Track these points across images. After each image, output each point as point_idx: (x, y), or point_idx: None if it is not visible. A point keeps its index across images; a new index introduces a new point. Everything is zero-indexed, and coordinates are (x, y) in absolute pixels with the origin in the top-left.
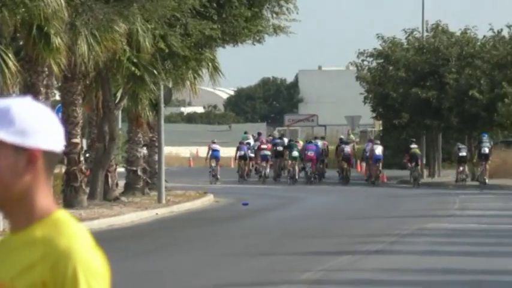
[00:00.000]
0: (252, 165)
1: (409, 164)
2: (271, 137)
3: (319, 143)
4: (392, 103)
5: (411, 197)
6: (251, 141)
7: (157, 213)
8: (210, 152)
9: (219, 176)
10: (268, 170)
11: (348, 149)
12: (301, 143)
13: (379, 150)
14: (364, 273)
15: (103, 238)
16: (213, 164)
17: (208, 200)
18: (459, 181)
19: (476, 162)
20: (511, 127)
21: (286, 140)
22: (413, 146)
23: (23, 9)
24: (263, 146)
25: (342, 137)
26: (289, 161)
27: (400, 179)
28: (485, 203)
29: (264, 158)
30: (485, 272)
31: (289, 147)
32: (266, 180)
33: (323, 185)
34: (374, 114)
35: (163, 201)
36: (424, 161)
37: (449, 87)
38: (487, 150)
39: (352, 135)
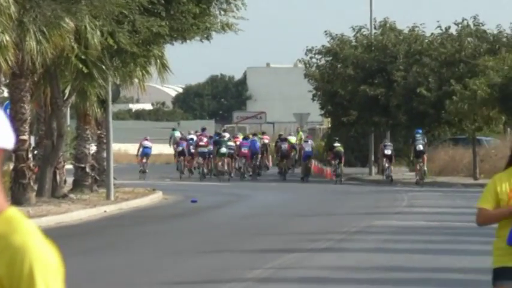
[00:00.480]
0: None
1: (332, 162)
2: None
3: (257, 139)
4: (340, 100)
5: (359, 194)
6: (193, 136)
7: (105, 211)
8: (141, 149)
9: (147, 170)
10: (205, 167)
11: (285, 145)
12: (240, 139)
13: (308, 147)
14: (311, 271)
15: (51, 235)
16: (144, 161)
17: (157, 197)
18: (387, 178)
19: (413, 160)
20: (459, 124)
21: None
22: (337, 144)
23: None
24: (201, 143)
25: (281, 133)
26: (217, 158)
27: (349, 176)
28: (434, 200)
29: (202, 154)
30: (434, 270)
31: (218, 143)
32: (204, 177)
33: (260, 181)
34: (322, 112)
35: (112, 198)
36: (373, 158)
37: (397, 85)
38: (421, 147)
39: (301, 133)
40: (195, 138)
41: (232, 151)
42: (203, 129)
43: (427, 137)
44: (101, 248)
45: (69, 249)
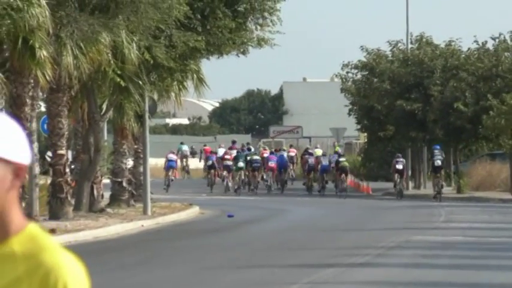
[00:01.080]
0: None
1: (338, 177)
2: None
3: (284, 153)
4: (377, 115)
5: (396, 209)
6: (222, 150)
7: (142, 225)
8: (166, 162)
9: (169, 184)
10: (230, 180)
11: (312, 159)
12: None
13: (326, 160)
14: (349, 286)
15: (88, 250)
16: (170, 173)
17: (193, 211)
18: (398, 194)
19: (430, 175)
20: (496, 140)
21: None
22: (342, 159)
23: (9, 21)
24: (226, 156)
25: (308, 147)
26: (234, 172)
27: (385, 191)
28: (471, 215)
29: (226, 167)
30: (472, 286)
31: (236, 158)
32: (228, 190)
33: (289, 196)
34: (359, 127)
35: (149, 212)
36: (410, 173)
37: (434, 100)
38: (439, 163)
39: (338, 147)
40: (222, 151)
41: (258, 164)
42: (233, 142)
43: (462, 152)
44: (138, 262)
45: (107, 264)
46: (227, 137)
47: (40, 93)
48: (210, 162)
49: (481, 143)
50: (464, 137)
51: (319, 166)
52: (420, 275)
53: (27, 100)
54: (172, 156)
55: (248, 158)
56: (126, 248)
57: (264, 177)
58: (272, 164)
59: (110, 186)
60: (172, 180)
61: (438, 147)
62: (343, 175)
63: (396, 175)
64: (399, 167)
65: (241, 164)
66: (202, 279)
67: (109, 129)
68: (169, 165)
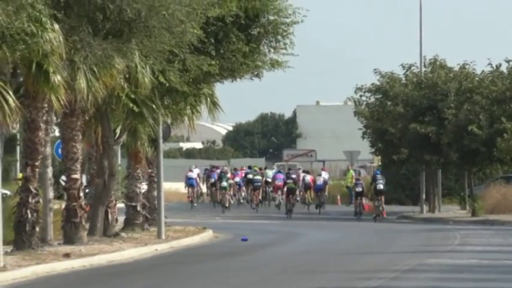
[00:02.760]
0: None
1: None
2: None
3: (308, 176)
4: (391, 138)
5: (411, 232)
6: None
7: (157, 249)
8: (186, 180)
9: (195, 204)
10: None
11: (308, 177)
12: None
13: (320, 180)
14: None
15: (103, 274)
16: (190, 190)
17: (207, 235)
18: (357, 214)
19: (372, 197)
20: (511, 162)
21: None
22: (289, 181)
23: (23, 46)
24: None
25: (303, 168)
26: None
27: (400, 214)
28: (486, 238)
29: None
30: None
31: (220, 178)
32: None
33: (301, 220)
34: (373, 150)
35: (163, 236)
36: (424, 196)
37: (448, 123)
38: (381, 187)
39: (351, 171)
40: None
41: (259, 184)
42: (235, 169)
43: (476, 175)
44: (152, 287)
45: None
46: (241, 161)
47: (54, 118)
48: (212, 180)
49: (496, 165)
50: (479, 160)
51: (313, 185)
52: None
53: (41, 125)
54: (192, 174)
55: (249, 176)
56: (141, 272)
57: (271, 196)
58: (279, 183)
59: (124, 210)
60: (192, 201)
61: (379, 172)
62: (291, 196)
63: (358, 197)
64: (380, 187)
65: (224, 183)
66: None
67: (123, 153)
68: (188, 183)
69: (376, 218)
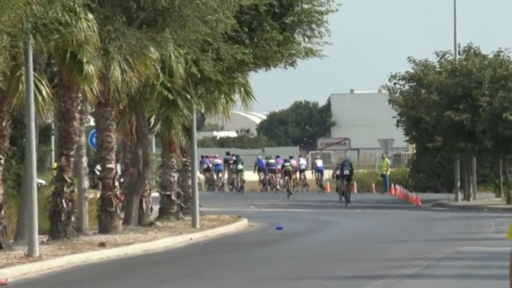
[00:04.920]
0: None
1: (284, 178)
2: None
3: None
4: (425, 126)
5: (446, 220)
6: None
7: (191, 238)
8: (214, 167)
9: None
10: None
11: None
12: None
13: (319, 163)
14: None
15: (138, 263)
16: (220, 176)
17: (242, 224)
18: (340, 195)
19: (342, 182)
20: None
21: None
22: (286, 163)
23: (57, 36)
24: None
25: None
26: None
27: (435, 202)
28: None
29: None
30: None
31: (236, 162)
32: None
33: (336, 208)
34: (407, 138)
35: (198, 225)
36: (459, 184)
37: (483, 110)
38: (348, 172)
39: (386, 159)
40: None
41: (273, 167)
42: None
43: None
44: (188, 275)
45: (156, 277)
46: (275, 149)
47: (89, 108)
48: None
49: None
50: None
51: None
52: (469, 286)
53: (76, 114)
54: (218, 160)
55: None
56: (176, 261)
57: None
58: (278, 167)
59: (159, 199)
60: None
61: (349, 159)
62: (287, 177)
63: (343, 181)
64: (346, 172)
65: (240, 166)
66: None
67: (157, 142)
68: (217, 169)
69: (343, 200)
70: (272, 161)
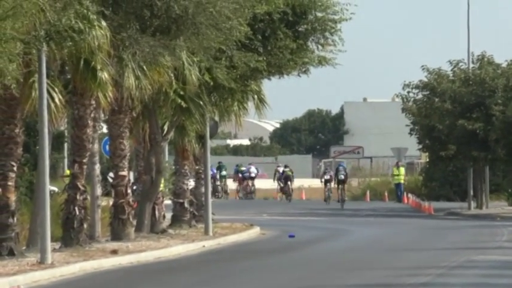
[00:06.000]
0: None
1: (280, 183)
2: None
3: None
4: (438, 135)
5: (459, 228)
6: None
7: (204, 246)
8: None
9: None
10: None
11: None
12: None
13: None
14: None
15: (150, 270)
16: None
17: (254, 232)
18: (326, 199)
19: (337, 186)
20: None
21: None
22: (286, 169)
23: (70, 43)
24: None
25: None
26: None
27: (447, 210)
28: None
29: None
30: None
31: (219, 168)
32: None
33: (348, 216)
34: (420, 146)
35: (210, 233)
36: (472, 193)
37: (496, 119)
38: (343, 177)
39: (401, 168)
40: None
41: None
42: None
43: None
44: (201, 283)
45: (168, 285)
46: (288, 157)
47: (102, 115)
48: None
49: None
50: None
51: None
52: None
53: (89, 122)
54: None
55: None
56: (188, 269)
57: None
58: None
59: (172, 207)
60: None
61: (343, 164)
62: (287, 182)
63: (327, 184)
64: (327, 177)
65: (223, 172)
66: None
67: (170, 150)
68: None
69: (339, 201)
70: (243, 168)
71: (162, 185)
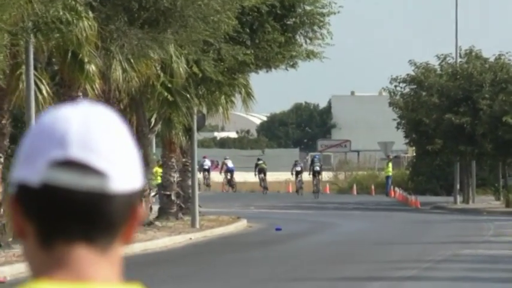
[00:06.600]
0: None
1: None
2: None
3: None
4: (425, 129)
5: (445, 223)
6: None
7: (191, 238)
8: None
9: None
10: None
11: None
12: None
13: (230, 163)
14: None
15: (137, 262)
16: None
17: (241, 224)
18: (298, 189)
19: (312, 177)
20: None
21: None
22: (260, 161)
23: (58, 34)
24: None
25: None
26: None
27: (434, 204)
28: None
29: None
30: None
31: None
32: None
33: (338, 210)
34: (407, 140)
35: (197, 225)
36: (458, 187)
37: (483, 113)
38: (318, 168)
39: (390, 164)
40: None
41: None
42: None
43: (511, 166)
44: (187, 275)
45: (155, 276)
46: (275, 151)
47: None
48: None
49: None
50: None
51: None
52: None
53: None
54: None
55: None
56: (175, 261)
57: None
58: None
59: (159, 199)
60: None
61: (318, 156)
62: (262, 174)
63: (298, 175)
64: (298, 169)
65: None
66: None
67: (157, 142)
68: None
69: (314, 192)
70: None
71: (158, 178)
